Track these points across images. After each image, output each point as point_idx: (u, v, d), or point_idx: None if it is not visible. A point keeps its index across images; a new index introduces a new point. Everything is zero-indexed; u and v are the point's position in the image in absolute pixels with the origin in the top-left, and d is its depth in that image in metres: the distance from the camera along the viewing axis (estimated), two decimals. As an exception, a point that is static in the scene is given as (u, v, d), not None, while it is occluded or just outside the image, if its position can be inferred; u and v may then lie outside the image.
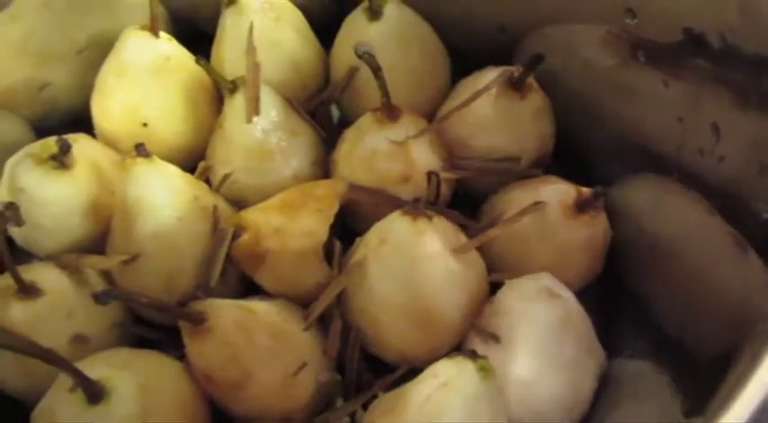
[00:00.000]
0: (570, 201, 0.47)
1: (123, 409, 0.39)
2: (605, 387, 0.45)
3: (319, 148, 0.53)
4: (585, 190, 0.47)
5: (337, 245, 0.48)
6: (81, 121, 0.55)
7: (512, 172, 0.51)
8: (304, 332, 0.45)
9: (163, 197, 0.46)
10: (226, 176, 0.51)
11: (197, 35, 0.58)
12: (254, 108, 0.49)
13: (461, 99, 0.50)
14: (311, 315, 0.45)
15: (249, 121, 0.49)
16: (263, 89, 0.50)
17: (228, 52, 0.54)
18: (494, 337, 0.43)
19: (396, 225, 0.44)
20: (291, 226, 0.46)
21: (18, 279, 0.43)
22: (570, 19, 0.50)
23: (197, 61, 0.50)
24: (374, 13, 0.52)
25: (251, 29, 0.52)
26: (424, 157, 0.49)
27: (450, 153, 0.51)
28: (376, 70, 0.46)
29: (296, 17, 0.56)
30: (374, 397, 0.44)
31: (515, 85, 0.49)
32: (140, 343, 0.48)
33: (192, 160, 0.53)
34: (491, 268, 0.47)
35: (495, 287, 0.46)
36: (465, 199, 0.53)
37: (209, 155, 0.53)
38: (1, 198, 0.47)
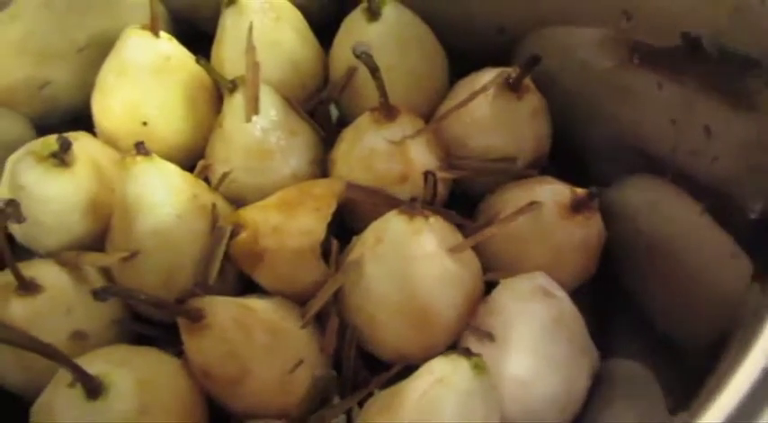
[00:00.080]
0: (565, 201, 0.47)
1: (122, 404, 0.39)
2: (599, 386, 0.45)
3: (318, 148, 0.54)
4: (580, 190, 0.47)
5: (334, 243, 0.48)
6: (81, 120, 0.55)
7: (508, 172, 0.51)
8: (301, 330, 0.45)
9: (162, 195, 0.46)
10: (225, 175, 0.51)
11: (197, 35, 0.58)
12: (253, 107, 0.49)
13: (459, 100, 0.50)
14: (308, 313, 0.45)
15: (248, 120, 0.49)
16: (263, 89, 0.50)
17: (228, 52, 0.54)
18: (488, 336, 0.43)
19: (392, 224, 0.44)
20: (289, 224, 0.47)
21: (18, 275, 0.44)
22: (568, 21, 0.51)
23: (197, 61, 0.51)
24: (373, 14, 0.52)
25: (251, 29, 0.52)
26: (421, 156, 0.49)
27: (448, 153, 0.51)
28: (374, 70, 0.46)
29: (295, 17, 0.56)
30: (370, 394, 0.45)
31: (512, 86, 0.49)
32: (139, 340, 0.49)
33: (192, 159, 0.53)
34: (486, 267, 0.47)
35: (490, 286, 0.47)
36: (462, 199, 0.53)
37: (209, 154, 0.53)
38: (1, 195, 0.47)
